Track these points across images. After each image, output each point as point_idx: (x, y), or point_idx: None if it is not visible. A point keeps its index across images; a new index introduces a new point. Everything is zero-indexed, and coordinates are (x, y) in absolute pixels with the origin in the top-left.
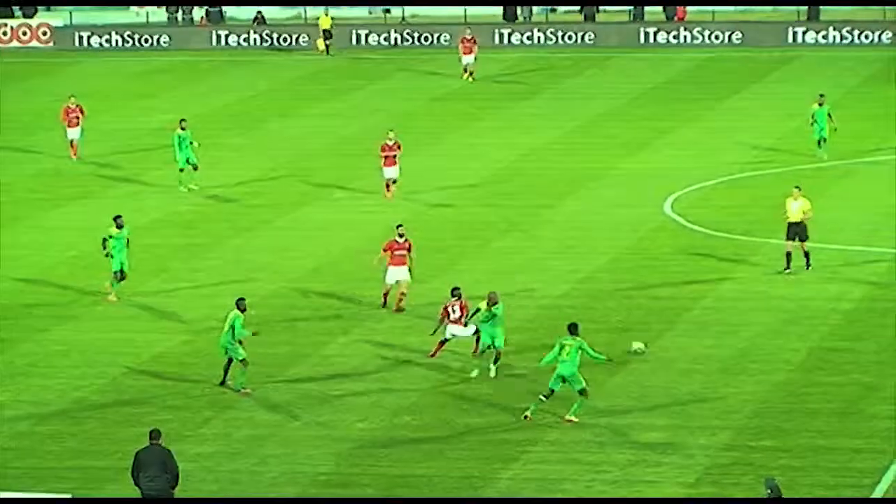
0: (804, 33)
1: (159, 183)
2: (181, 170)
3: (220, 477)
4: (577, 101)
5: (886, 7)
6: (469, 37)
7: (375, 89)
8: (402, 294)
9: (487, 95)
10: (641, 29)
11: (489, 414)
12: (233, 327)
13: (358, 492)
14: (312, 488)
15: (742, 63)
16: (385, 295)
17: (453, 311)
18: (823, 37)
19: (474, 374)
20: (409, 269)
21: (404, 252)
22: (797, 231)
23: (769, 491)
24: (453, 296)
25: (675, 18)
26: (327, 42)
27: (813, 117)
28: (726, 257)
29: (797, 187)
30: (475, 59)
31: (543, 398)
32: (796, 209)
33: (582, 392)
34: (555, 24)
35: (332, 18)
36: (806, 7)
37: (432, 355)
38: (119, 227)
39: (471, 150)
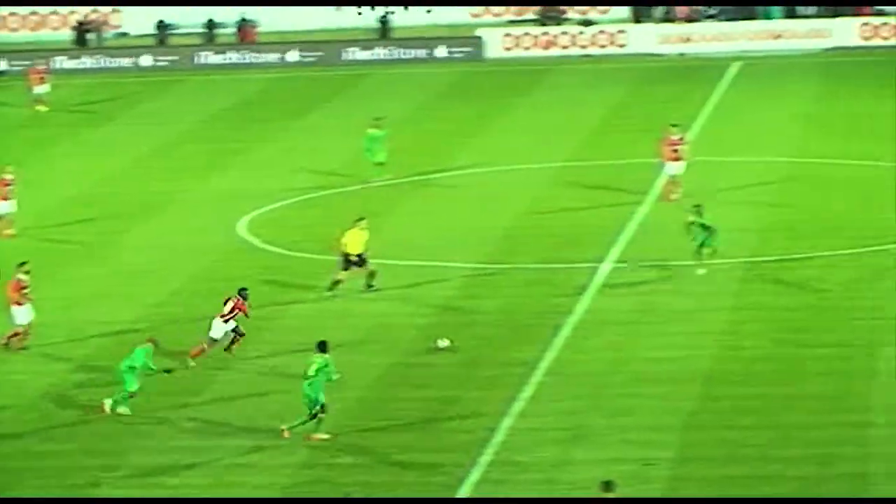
0: (373, 50)
1: None
2: None
3: None
4: (151, 125)
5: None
6: (41, 67)
7: None
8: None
9: (60, 122)
10: (211, 52)
11: (65, 441)
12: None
13: None
14: None
15: (314, 82)
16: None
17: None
18: (391, 54)
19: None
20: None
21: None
22: (356, 261)
23: None
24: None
25: (245, 39)
26: None
27: (372, 141)
28: (303, 276)
29: (361, 218)
30: (48, 87)
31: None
32: (358, 241)
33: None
34: (127, 48)
35: None
36: (379, 24)
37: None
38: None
39: (43, 177)
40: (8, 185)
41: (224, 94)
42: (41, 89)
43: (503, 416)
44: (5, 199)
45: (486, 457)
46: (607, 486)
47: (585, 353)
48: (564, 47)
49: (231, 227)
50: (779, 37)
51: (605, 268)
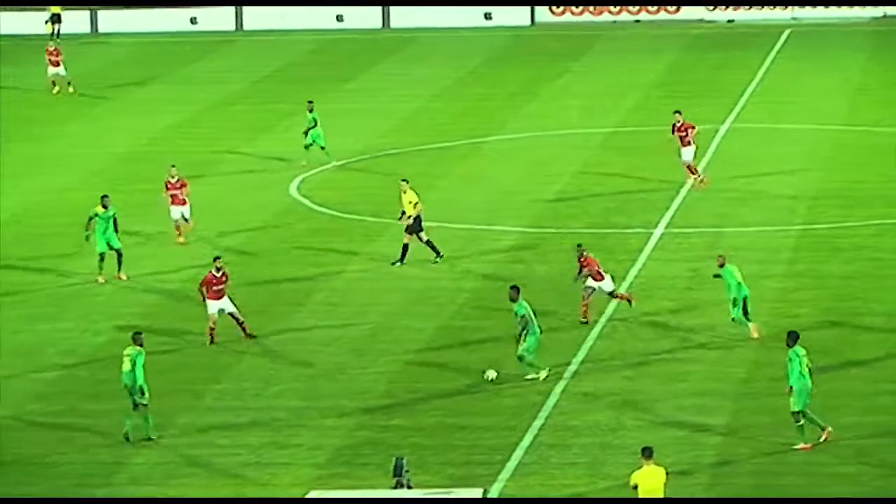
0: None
1: None
2: None
3: None
4: (201, 86)
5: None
6: (53, 48)
7: None
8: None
9: (108, 83)
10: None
11: (121, 400)
12: (134, 363)
13: None
14: None
15: (367, 45)
16: (209, 330)
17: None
18: (441, 17)
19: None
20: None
21: (223, 286)
22: (412, 225)
23: (394, 469)
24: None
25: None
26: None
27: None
28: (354, 239)
29: (404, 181)
30: (63, 69)
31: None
32: (405, 202)
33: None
34: (177, 7)
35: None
36: None
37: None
38: (105, 206)
39: (90, 137)
40: (180, 186)
41: (275, 55)
42: (55, 71)
43: (555, 381)
44: (183, 202)
45: (538, 420)
46: (647, 452)
47: (637, 318)
48: (615, 13)
49: (284, 189)
50: (829, 4)
51: (657, 233)
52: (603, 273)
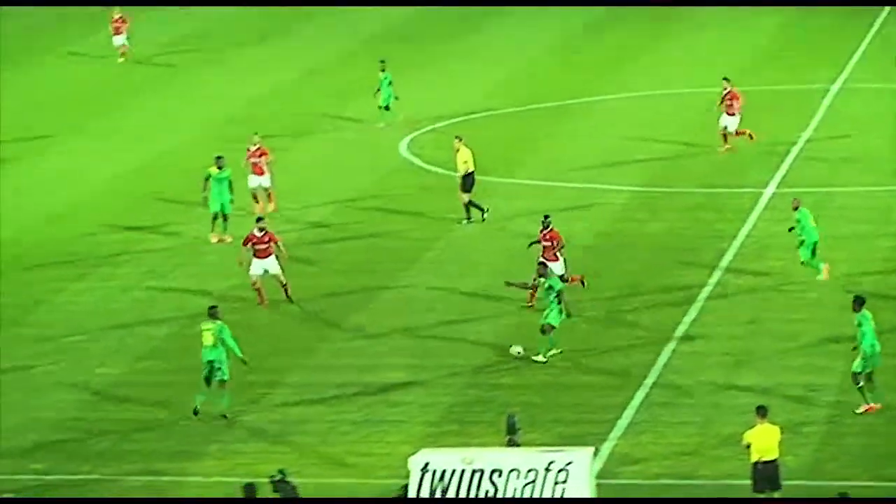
0: None
1: None
2: None
3: None
4: (308, 49)
5: None
6: (118, 16)
7: None
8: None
9: (211, 45)
10: None
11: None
12: (222, 340)
13: (98, 438)
14: (53, 434)
15: (474, 6)
16: (257, 289)
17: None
18: None
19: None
20: (280, 263)
21: (266, 245)
22: (463, 182)
23: (507, 427)
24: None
25: None
26: None
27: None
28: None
29: (458, 137)
30: (125, 38)
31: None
32: (458, 161)
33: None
34: None
35: None
36: None
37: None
38: (220, 167)
39: (199, 91)
40: (259, 155)
41: (380, 16)
42: (119, 40)
43: (666, 340)
44: (262, 172)
45: (649, 379)
46: (762, 411)
47: (748, 278)
48: None
49: (393, 148)
50: None
51: (768, 192)
52: (558, 255)
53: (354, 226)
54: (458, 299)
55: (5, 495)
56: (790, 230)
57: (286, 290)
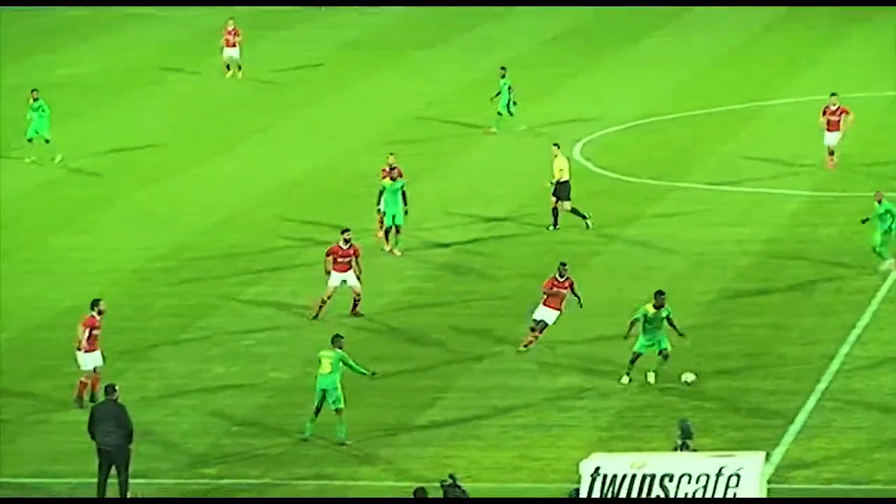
0: None
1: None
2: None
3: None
4: (480, 52)
5: None
6: (232, 28)
7: None
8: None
9: (381, 46)
10: None
11: (402, 363)
12: (344, 363)
13: (272, 441)
14: (226, 438)
15: (647, 11)
16: (321, 302)
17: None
18: None
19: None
20: (357, 276)
21: (348, 259)
22: (559, 190)
23: (681, 432)
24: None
25: None
26: None
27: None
28: (635, 202)
29: (556, 145)
30: (238, 52)
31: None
32: (555, 168)
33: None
34: None
35: None
36: None
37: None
38: (393, 179)
39: (370, 101)
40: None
41: (555, 21)
42: (231, 52)
43: (839, 344)
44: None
45: (822, 384)
46: None
47: None
48: None
49: (566, 152)
50: None
51: None
52: (562, 308)
53: (526, 230)
54: (627, 304)
55: (138, 496)
56: (863, 222)
57: (356, 303)
